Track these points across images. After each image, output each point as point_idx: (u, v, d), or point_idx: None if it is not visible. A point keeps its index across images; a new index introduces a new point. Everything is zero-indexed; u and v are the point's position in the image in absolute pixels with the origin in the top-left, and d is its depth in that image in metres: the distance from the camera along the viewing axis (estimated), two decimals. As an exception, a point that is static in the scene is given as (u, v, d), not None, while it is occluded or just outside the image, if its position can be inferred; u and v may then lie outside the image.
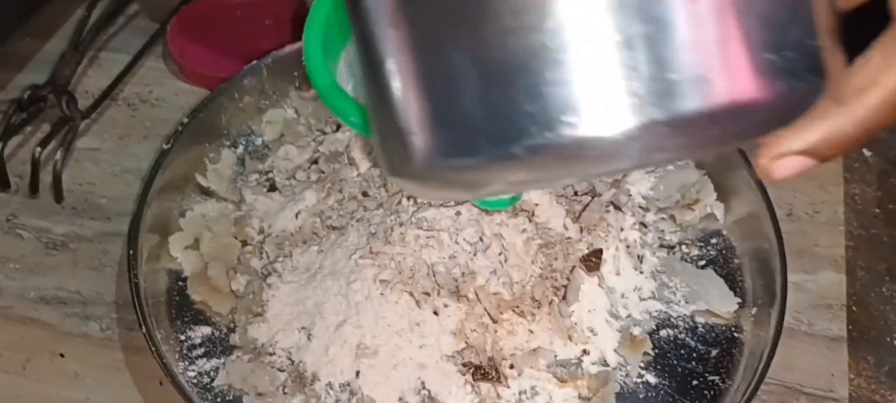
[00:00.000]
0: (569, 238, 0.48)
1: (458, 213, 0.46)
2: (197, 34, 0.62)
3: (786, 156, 0.27)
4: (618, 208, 0.50)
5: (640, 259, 0.49)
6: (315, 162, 0.53)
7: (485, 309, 0.44)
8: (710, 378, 0.45)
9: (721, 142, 0.25)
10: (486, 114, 0.23)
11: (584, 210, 0.49)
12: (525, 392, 0.44)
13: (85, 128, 0.58)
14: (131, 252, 0.46)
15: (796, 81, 0.23)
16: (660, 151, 0.23)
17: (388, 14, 0.24)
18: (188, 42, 0.62)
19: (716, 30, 0.22)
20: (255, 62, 0.55)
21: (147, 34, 0.64)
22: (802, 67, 0.23)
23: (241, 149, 0.56)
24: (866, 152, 0.58)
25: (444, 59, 0.23)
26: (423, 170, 0.25)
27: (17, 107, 0.55)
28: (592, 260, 0.47)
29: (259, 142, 0.56)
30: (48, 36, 0.64)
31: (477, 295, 0.45)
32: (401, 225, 0.46)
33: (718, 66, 0.22)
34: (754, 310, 0.47)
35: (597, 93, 0.22)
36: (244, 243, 0.50)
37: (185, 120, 0.52)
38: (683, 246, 0.50)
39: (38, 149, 0.53)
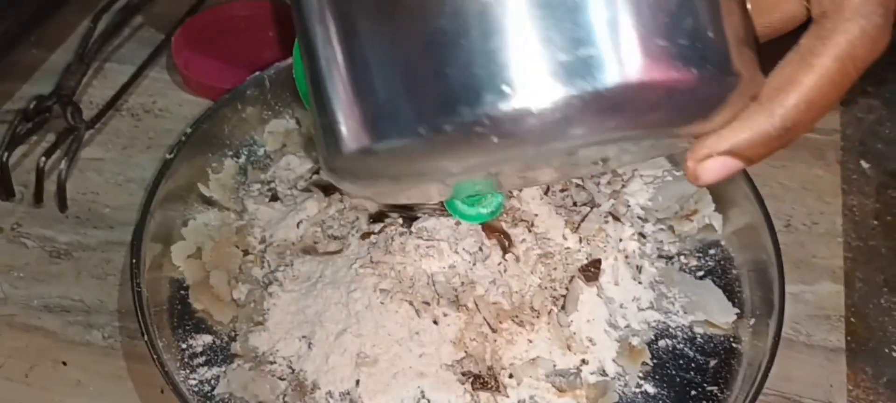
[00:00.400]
0: (568, 248, 0.48)
1: (458, 223, 0.47)
2: (201, 45, 0.63)
3: (711, 158, 0.27)
4: (617, 219, 0.50)
5: (639, 269, 0.49)
6: (316, 172, 0.54)
7: (484, 319, 0.45)
8: (709, 388, 0.45)
9: (635, 129, 0.25)
10: (401, 100, 0.24)
11: (583, 220, 0.49)
12: (524, 401, 0.44)
13: (89, 138, 0.59)
14: (134, 261, 0.46)
15: (693, 70, 0.24)
16: (566, 135, 0.24)
17: (317, 11, 0.26)
18: (192, 53, 0.62)
19: (609, 15, 0.23)
20: (257, 73, 0.55)
21: (151, 45, 0.64)
22: (700, 57, 0.24)
23: (243, 158, 0.56)
24: (864, 164, 0.58)
25: (364, 51, 0.25)
26: (351, 159, 0.26)
27: (22, 117, 0.56)
28: (591, 271, 0.47)
29: (261, 152, 0.56)
30: (54, 47, 0.65)
31: (476, 305, 0.45)
32: (401, 234, 0.47)
33: (611, 49, 0.23)
34: (752, 321, 0.47)
35: (491, 75, 0.23)
36: (246, 252, 0.50)
37: (189, 130, 0.52)
38: (682, 257, 0.51)
39: (43, 158, 0.54)
